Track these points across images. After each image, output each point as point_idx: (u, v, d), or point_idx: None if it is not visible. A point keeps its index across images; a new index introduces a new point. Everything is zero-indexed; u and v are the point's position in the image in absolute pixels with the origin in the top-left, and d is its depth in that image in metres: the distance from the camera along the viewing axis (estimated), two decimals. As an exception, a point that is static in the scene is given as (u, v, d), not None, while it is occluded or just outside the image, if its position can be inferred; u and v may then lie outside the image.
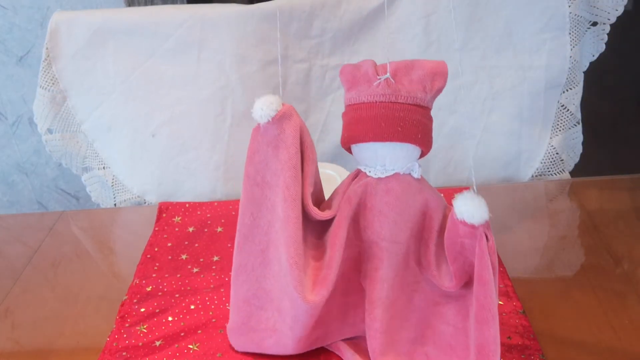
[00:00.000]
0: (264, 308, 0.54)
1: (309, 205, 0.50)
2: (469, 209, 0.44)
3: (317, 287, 0.50)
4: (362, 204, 0.50)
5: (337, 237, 0.50)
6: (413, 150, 0.48)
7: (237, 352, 0.57)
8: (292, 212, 0.49)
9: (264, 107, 0.47)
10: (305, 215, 0.50)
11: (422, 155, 0.50)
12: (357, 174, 0.51)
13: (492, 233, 0.45)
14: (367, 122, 0.47)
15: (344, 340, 0.56)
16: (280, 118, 0.48)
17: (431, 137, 0.49)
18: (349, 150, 0.51)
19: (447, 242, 0.47)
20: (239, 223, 0.52)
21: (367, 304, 0.52)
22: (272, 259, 0.52)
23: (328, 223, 0.52)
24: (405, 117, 0.46)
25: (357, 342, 0.56)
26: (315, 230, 0.52)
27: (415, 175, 0.49)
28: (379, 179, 0.49)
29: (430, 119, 0.48)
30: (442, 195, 0.51)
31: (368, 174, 0.49)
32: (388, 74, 0.47)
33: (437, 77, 0.47)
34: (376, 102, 0.47)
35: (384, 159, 0.48)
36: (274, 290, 0.53)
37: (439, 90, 0.47)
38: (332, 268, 0.50)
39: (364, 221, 0.50)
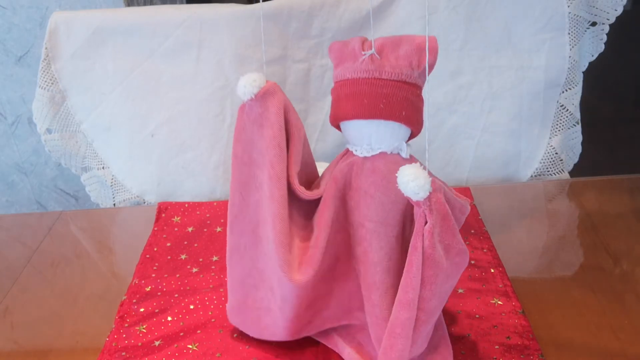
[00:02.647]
0: (258, 287, 0.54)
1: (294, 184, 0.49)
2: (404, 179, 0.42)
3: (303, 266, 0.49)
4: (348, 184, 0.49)
5: (322, 217, 0.49)
6: (399, 129, 0.46)
7: (236, 352, 0.57)
8: (276, 190, 0.48)
9: (247, 84, 0.47)
10: (293, 195, 0.50)
11: (413, 135, 0.48)
12: (346, 153, 0.50)
13: (433, 217, 0.43)
14: (350, 99, 0.46)
15: (340, 332, 0.55)
16: (264, 95, 0.47)
17: (421, 116, 0.47)
18: (338, 128, 0.50)
19: None
20: (229, 203, 0.52)
21: (363, 290, 0.51)
22: (262, 237, 0.52)
23: (317, 203, 0.51)
24: (389, 94, 0.45)
25: (353, 335, 0.55)
26: (303, 210, 0.52)
27: (404, 155, 0.47)
28: (365, 158, 0.48)
29: (418, 97, 0.46)
30: (437, 178, 0.49)
31: (354, 153, 0.48)
32: (373, 49, 0.45)
33: (425, 52, 0.44)
34: (359, 78, 0.46)
35: (370, 137, 0.47)
36: (267, 269, 0.52)
37: (429, 67, 0.45)
38: (318, 247, 0.49)
39: (351, 202, 0.49)
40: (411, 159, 0.48)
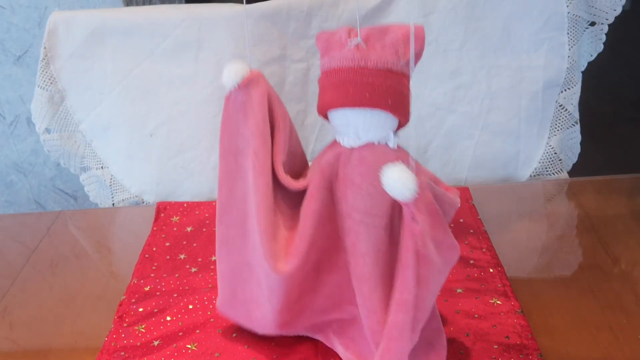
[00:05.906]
0: (246, 280, 0.53)
1: (280, 174, 0.49)
2: (389, 181, 0.41)
3: (288, 257, 0.49)
4: (335, 174, 0.49)
5: (309, 208, 0.49)
6: (386, 118, 0.46)
7: (235, 351, 0.57)
8: (260, 179, 0.48)
9: (230, 73, 0.47)
10: (280, 185, 0.49)
11: (400, 125, 0.47)
12: (334, 144, 0.50)
13: (422, 216, 0.42)
14: (335, 88, 0.46)
15: (333, 328, 0.55)
16: (247, 84, 0.47)
17: (408, 106, 0.47)
18: (326, 117, 0.49)
19: None
20: (217, 195, 0.51)
21: (354, 282, 0.50)
22: (250, 230, 0.51)
23: (304, 193, 0.51)
24: (374, 83, 0.45)
25: (344, 330, 0.54)
26: (292, 200, 0.51)
27: (391, 145, 0.47)
28: (352, 148, 0.47)
29: (405, 86, 0.46)
30: (428, 170, 0.49)
31: (342, 143, 0.48)
32: (359, 38, 0.45)
33: (412, 40, 0.44)
34: (345, 67, 0.46)
35: (356, 126, 0.47)
36: (253, 261, 0.52)
37: (416, 55, 0.45)
38: (304, 238, 0.49)
39: (339, 193, 0.49)
40: (398, 150, 0.48)
